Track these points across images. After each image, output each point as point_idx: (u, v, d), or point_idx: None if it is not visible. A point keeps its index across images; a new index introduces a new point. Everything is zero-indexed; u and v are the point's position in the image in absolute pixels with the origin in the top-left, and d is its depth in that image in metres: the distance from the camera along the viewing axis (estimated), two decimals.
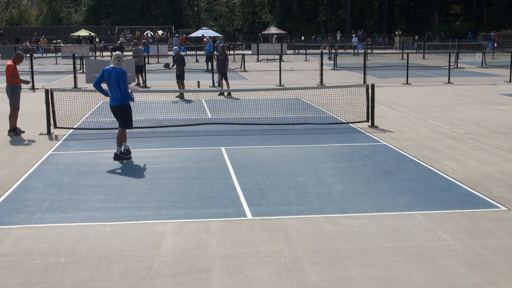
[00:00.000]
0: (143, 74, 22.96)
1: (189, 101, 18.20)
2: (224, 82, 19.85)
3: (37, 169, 9.59)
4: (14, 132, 12.59)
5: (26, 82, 13.40)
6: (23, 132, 12.70)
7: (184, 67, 19.70)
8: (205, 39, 36.64)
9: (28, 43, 47.33)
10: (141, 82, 22.94)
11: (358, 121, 13.70)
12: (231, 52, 42.59)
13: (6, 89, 12.90)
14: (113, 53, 11.56)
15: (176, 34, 54.43)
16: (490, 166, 9.65)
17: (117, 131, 10.41)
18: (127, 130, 10.46)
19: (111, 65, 10.12)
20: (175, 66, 19.46)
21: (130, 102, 10.28)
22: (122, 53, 24.97)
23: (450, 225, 6.79)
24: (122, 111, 10.20)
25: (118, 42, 32.41)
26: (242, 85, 22.80)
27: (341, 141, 11.81)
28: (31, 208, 7.50)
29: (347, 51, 47.50)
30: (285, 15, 72.49)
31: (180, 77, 19.32)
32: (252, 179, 8.84)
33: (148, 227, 6.78)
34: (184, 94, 19.06)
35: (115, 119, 10.58)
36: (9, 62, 13.04)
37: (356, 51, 45.02)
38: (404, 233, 6.54)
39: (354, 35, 51.52)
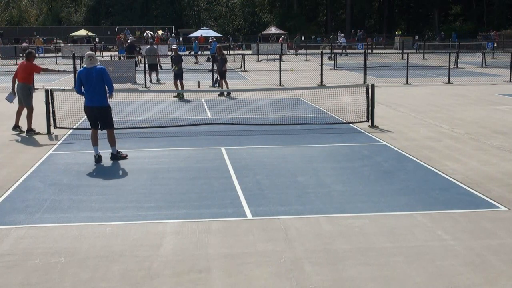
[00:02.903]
0: (157, 72, 24.40)
1: (187, 101, 18.18)
2: (223, 82, 19.86)
3: (37, 169, 9.59)
4: (33, 131, 12.64)
5: (59, 71, 13.36)
6: (23, 132, 12.71)
7: (182, 67, 19.71)
8: (210, 39, 36.55)
9: (25, 44, 47.28)
10: (153, 79, 24.17)
11: (358, 121, 13.70)
12: (231, 52, 42.66)
13: (19, 89, 12.79)
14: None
15: (173, 34, 54.28)
16: (490, 166, 9.65)
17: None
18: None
19: (85, 66, 9.92)
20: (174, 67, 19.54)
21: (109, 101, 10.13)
22: (134, 52, 25.34)
23: (450, 225, 6.79)
24: (104, 112, 10.00)
25: (129, 41, 32.44)
26: (242, 85, 22.80)
27: (341, 141, 11.81)
28: (31, 208, 7.50)
29: (334, 51, 47.06)
30: (285, 15, 72.48)
31: (177, 77, 19.31)
32: (252, 179, 8.84)
33: (148, 227, 6.78)
34: (184, 94, 19.04)
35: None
36: (25, 61, 12.95)
37: (344, 50, 44.61)
38: (404, 233, 6.54)
39: (343, 35, 51.36)
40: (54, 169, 9.58)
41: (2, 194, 8.12)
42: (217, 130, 12.96)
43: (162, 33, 59.33)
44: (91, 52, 10.24)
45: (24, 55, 13.52)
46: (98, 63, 10.05)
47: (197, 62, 35.89)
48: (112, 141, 10.16)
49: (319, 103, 16.93)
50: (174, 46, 22.34)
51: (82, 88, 9.96)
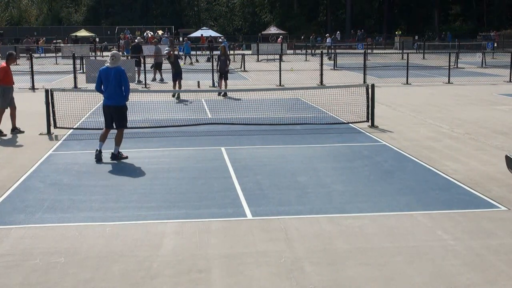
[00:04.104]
0: (160, 70, 25.11)
1: (184, 101, 18.11)
2: (222, 82, 19.85)
3: (37, 169, 9.59)
4: (14, 131, 12.59)
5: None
6: (5, 135, 12.53)
7: (179, 65, 19.68)
8: (220, 39, 36.40)
9: (30, 40, 47.29)
10: (157, 78, 24.97)
11: (358, 121, 13.70)
12: (231, 52, 42.65)
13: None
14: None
15: (165, 35, 54.08)
16: (490, 166, 9.65)
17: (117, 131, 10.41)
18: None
19: (107, 65, 10.07)
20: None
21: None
22: (140, 52, 25.55)
23: (450, 225, 6.79)
24: (120, 112, 10.13)
25: (136, 40, 32.44)
26: (242, 85, 22.79)
27: (341, 141, 11.81)
28: (31, 208, 7.50)
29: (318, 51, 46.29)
30: (285, 15, 72.40)
31: (176, 76, 19.27)
32: (252, 179, 8.84)
33: (148, 227, 6.78)
34: (181, 94, 18.96)
35: (104, 119, 10.43)
36: (3, 63, 12.91)
37: (330, 50, 44.24)
38: (404, 233, 6.54)
39: (327, 35, 51.28)
40: (54, 169, 9.58)
41: (2, 194, 8.12)
42: (217, 130, 12.96)
43: (162, 33, 59.29)
44: (115, 51, 10.36)
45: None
46: (120, 64, 10.17)
47: (189, 63, 35.75)
48: (118, 140, 10.22)
49: (319, 103, 16.93)
50: (166, 51, 22.31)
51: (102, 86, 10.14)
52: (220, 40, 35.48)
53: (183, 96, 18.96)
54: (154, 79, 24.71)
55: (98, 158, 10.02)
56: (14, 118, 12.87)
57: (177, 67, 19.39)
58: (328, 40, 48.29)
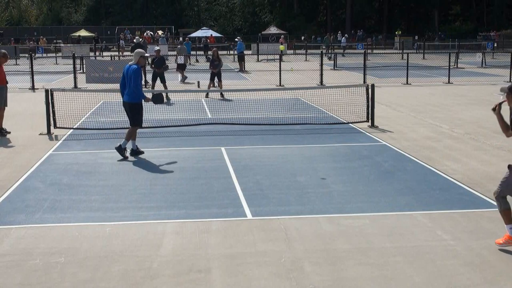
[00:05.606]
0: (183, 70, 25.10)
1: (172, 104, 17.90)
2: (211, 83, 19.74)
3: (37, 169, 9.59)
4: (0, 132, 12.51)
5: None
6: (9, 132, 12.56)
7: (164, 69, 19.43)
8: (236, 39, 36.26)
9: (32, 43, 47.30)
10: (180, 78, 24.85)
11: (358, 121, 13.70)
12: (231, 52, 42.64)
13: None
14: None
15: (162, 34, 53.93)
16: (490, 166, 9.65)
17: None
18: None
19: (130, 62, 10.47)
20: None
21: (143, 102, 10.51)
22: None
23: (450, 225, 6.79)
24: (132, 109, 10.37)
25: (134, 41, 32.37)
26: (242, 85, 22.78)
27: (341, 141, 11.81)
28: (31, 208, 7.50)
29: (335, 51, 45.88)
30: (285, 15, 72.47)
31: (156, 78, 19.06)
32: (252, 179, 8.84)
33: (148, 227, 6.78)
34: (177, 94, 18.80)
35: (123, 118, 10.70)
36: None
37: (343, 51, 44.05)
38: (404, 233, 6.54)
39: (345, 35, 51.22)
40: (54, 169, 9.58)
41: (2, 194, 8.12)
42: (217, 130, 12.96)
43: (162, 33, 59.31)
44: (139, 50, 10.67)
45: None
46: (137, 62, 10.40)
47: (188, 64, 35.72)
48: (127, 136, 10.41)
49: (319, 103, 16.93)
50: (156, 48, 22.09)
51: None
52: (236, 40, 35.44)
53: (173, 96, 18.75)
54: (181, 80, 24.65)
55: (134, 154, 10.44)
56: (2, 118, 12.70)
57: (161, 71, 19.24)
58: (343, 39, 47.97)
